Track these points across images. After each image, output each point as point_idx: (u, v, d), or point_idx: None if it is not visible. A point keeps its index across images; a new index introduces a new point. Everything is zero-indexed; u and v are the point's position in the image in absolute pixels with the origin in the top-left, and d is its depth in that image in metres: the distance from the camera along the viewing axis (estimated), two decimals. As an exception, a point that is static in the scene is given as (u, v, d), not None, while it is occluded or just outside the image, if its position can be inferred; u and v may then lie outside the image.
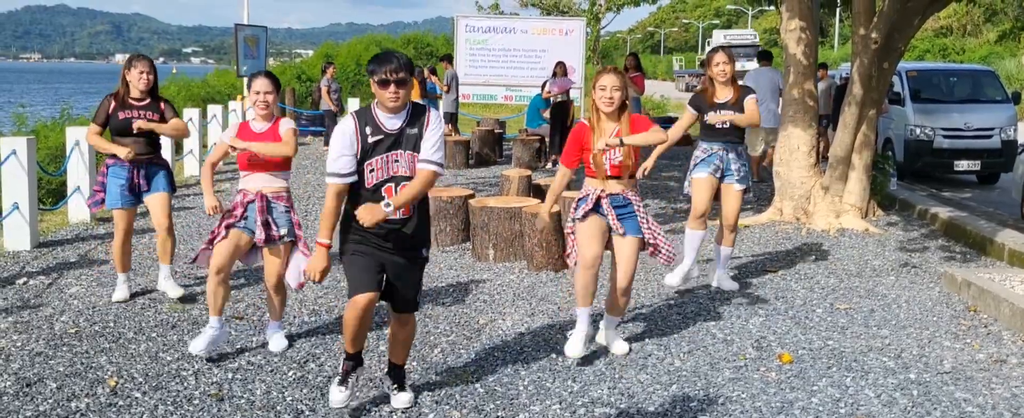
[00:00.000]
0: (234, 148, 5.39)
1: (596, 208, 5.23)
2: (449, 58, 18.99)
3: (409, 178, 4.26)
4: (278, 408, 4.59)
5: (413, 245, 4.37)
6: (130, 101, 6.31)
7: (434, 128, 4.30)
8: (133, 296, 6.59)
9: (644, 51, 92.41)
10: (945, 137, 13.36)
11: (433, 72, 18.47)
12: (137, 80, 6.30)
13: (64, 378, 4.95)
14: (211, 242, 5.37)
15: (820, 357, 5.46)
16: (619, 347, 5.46)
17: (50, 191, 12.43)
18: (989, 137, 13.41)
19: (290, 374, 5.06)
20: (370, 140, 4.24)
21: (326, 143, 16.44)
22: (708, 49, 7.71)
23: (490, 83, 20.06)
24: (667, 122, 18.18)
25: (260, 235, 5.33)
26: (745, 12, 76.72)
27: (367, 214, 4.13)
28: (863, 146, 9.86)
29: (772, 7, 55.66)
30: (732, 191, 6.74)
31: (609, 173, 5.18)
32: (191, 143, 14.06)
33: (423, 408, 4.60)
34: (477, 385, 4.91)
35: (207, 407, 4.58)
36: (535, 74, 18.72)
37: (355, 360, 4.54)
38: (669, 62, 75.68)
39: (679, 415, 4.58)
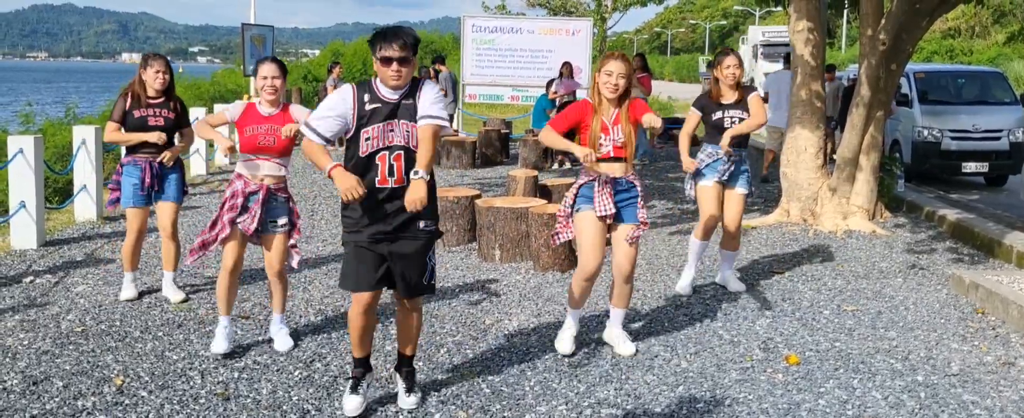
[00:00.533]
0: (229, 151, 5.32)
1: (594, 199, 5.16)
2: (441, 59, 18.95)
3: (404, 148, 4.22)
4: (284, 407, 4.58)
5: (412, 217, 4.27)
6: (146, 100, 6.34)
7: (428, 90, 4.26)
8: (140, 295, 6.59)
9: (651, 52, 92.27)
10: (953, 139, 13.32)
11: (436, 75, 18.45)
12: (153, 79, 6.33)
13: (70, 376, 4.95)
14: (204, 245, 5.30)
15: (827, 359, 5.45)
16: (626, 348, 5.44)
17: (57, 190, 12.46)
18: (997, 139, 13.37)
19: (296, 373, 5.06)
20: (367, 107, 4.20)
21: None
22: (717, 52, 7.66)
23: (496, 83, 20.05)
24: (674, 123, 18.16)
25: (249, 225, 5.26)
26: (752, 13, 76.58)
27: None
28: (870, 148, 9.83)
29: (780, 8, 55.60)
30: (735, 195, 6.72)
31: (611, 154, 5.13)
32: (198, 143, 14.06)
33: (429, 408, 4.59)
34: (483, 385, 4.90)
35: (213, 406, 4.58)
36: (541, 74, 18.70)
37: (364, 366, 4.55)
38: (690, 62, 74.57)
39: (685, 416, 4.56)
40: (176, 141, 6.57)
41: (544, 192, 9.30)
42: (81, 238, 8.64)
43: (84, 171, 9.60)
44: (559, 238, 5.39)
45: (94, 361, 5.20)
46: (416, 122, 4.20)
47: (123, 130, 6.35)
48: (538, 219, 7.45)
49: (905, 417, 4.61)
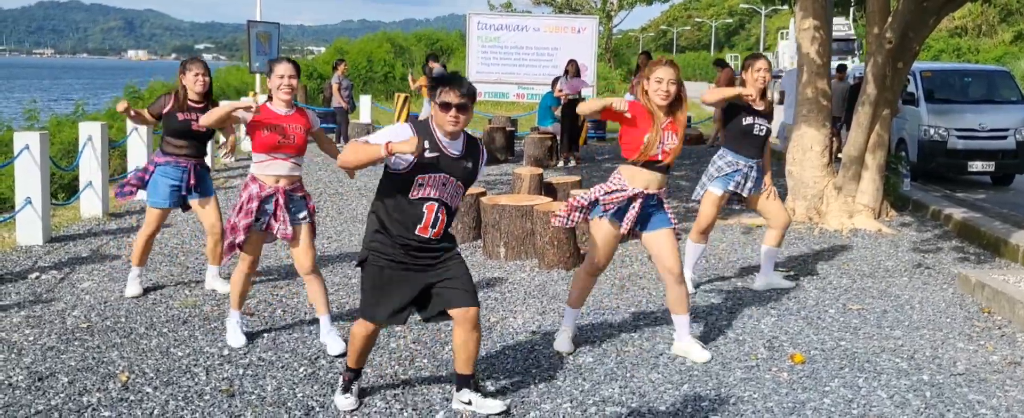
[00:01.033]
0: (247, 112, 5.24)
1: (620, 212, 5.15)
2: (435, 57, 18.97)
3: (448, 206, 4.27)
4: (289, 404, 4.59)
5: (442, 248, 4.34)
6: (188, 103, 6.37)
7: (483, 161, 4.44)
8: (145, 292, 6.60)
9: (657, 49, 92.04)
10: (959, 138, 13.28)
11: (430, 72, 18.43)
12: (194, 83, 6.36)
13: (76, 372, 4.96)
14: (232, 245, 5.27)
15: (832, 358, 5.43)
16: (701, 355, 5.31)
17: (62, 186, 12.48)
18: (1004, 138, 13.32)
19: (301, 370, 5.06)
20: (427, 154, 4.19)
21: (337, 140, 16.45)
22: (746, 56, 7.67)
23: (502, 81, 20.05)
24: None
25: (285, 229, 5.25)
26: (758, 12, 76.46)
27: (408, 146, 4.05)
28: (876, 146, 9.81)
29: (786, 7, 55.52)
30: (770, 194, 6.68)
31: (660, 157, 5.10)
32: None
33: (433, 406, 4.59)
34: (487, 383, 4.90)
35: (218, 403, 4.59)
36: (547, 72, 18.69)
37: (356, 373, 4.59)
38: (697, 60, 73.85)
39: (690, 415, 4.56)
40: (209, 148, 6.61)
41: (549, 190, 9.29)
42: (86, 234, 8.65)
43: (90, 167, 9.62)
44: (560, 221, 5.33)
45: (99, 357, 5.21)
46: (463, 181, 4.29)
47: (161, 131, 6.47)
48: (543, 217, 7.45)
49: (910, 416, 4.60)
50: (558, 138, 14.73)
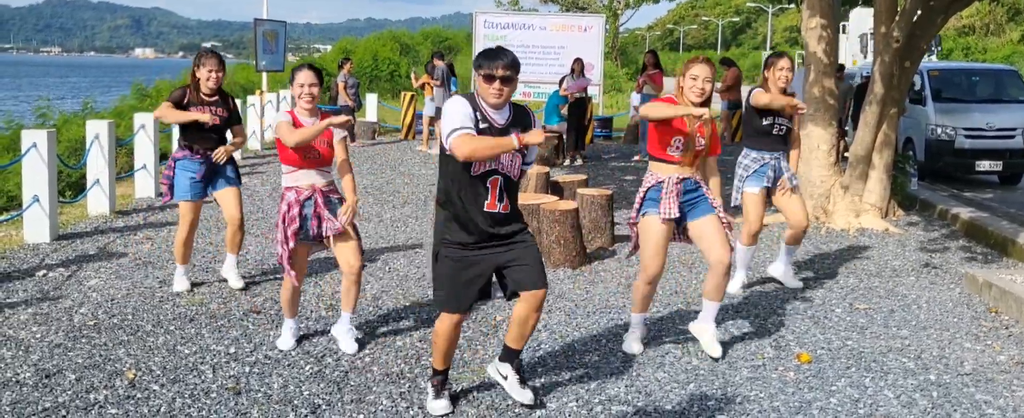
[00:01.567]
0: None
1: (660, 202, 5.13)
2: (440, 55, 18.98)
3: (507, 176, 4.25)
4: (295, 402, 4.59)
5: (515, 233, 4.33)
6: (202, 97, 6.39)
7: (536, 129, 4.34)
8: (151, 289, 6.62)
9: (663, 48, 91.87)
10: (967, 137, 13.25)
11: (434, 68, 18.40)
12: (206, 79, 6.38)
13: (83, 370, 4.98)
14: (284, 258, 5.19)
15: (839, 357, 5.43)
16: (715, 349, 5.32)
17: (70, 184, 12.51)
18: (1011, 137, 13.28)
19: (307, 368, 5.07)
20: (479, 126, 4.18)
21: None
22: (767, 54, 7.68)
23: (508, 79, 20.00)
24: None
25: (334, 225, 5.19)
26: (765, 10, 76.34)
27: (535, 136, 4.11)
28: (884, 145, 9.79)
29: (792, 5, 55.39)
30: (789, 192, 6.67)
31: (680, 159, 5.11)
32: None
33: (439, 404, 4.59)
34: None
35: (224, 400, 4.60)
36: (553, 71, 18.68)
37: (444, 374, 4.55)
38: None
39: (696, 414, 4.55)
40: (228, 138, 6.63)
41: (555, 188, 9.29)
42: (94, 232, 8.67)
43: (97, 165, 9.64)
44: (632, 238, 5.37)
45: (106, 355, 5.23)
46: (518, 150, 4.22)
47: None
48: (549, 216, 7.45)
49: (917, 416, 4.59)
50: (565, 137, 14.73)
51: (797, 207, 6.72)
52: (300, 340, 5.51)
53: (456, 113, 4.15)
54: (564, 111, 14.84)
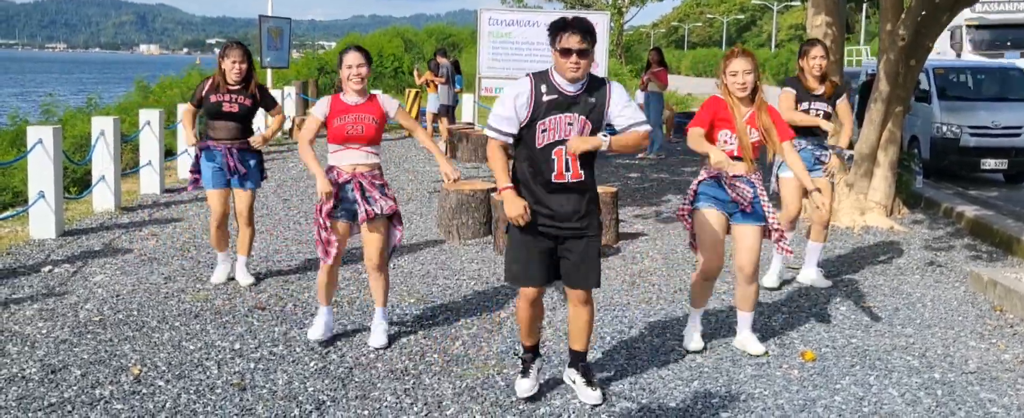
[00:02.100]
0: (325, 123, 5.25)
1: (716, 194, 5.11)
2: (444, 52, 18.99)
3: None
4: (300, 398, 4.60)
5: (581, 218, 4.28)
6: (225, 86, 6.47)
7: (618, 95, 4.26)
8: (156, 285, 6.63)
9: (668, 46, 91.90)
10: (972, 135, 13.22)
11: (437, 66, 18.39)
12: (230, 70, 6.45)
13: (88, 365, 4.99)
14: (321, 241, 5.23)
15: (843, 355, 5.42)
16: (756, 348, 5.34)
17: (75, 180, 12.54)
18: (1017, 135, 13.25)
19: (312, 365, 5.08)
20: (544, 98, 4.16)
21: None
22: (804, 42, 7.77)
23: (513, 77, 19.97)
24: (687, 117, 18.10)
25: (362, 213, 5.18)
26: (770, 8, 76.24)
27: (579, 144, 4.13)
28: (889, 143, 9.77)
29: (798, 2, 55.31)
30: (823, 184, 6.64)
31: (736, 153, 5.07)
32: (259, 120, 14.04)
33: (443, 401, 4.60)
34: (498, 378, 4.91)
35: (229, 396, 4.61)
36: (558, 68, 18.64)
37: (534, 352, 4.57)
38: (707, 56, 72.91)
39: (700, 411, 4.56)
40: (265, 125, 6.68)
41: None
42: (99, 228, 8.69)
43: (102, 161, 9.65)
44: (686, 221, 5.33)
45: (112, 350, 5.24)
46: (590, 118, 4.20)
47: (193, 120, 6.73)
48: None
49: (922, 414, 4.59)
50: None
51: (827, 197, 6.70)
52: (306, 337, 5.51)
53: (500, 108, 4.20)
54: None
